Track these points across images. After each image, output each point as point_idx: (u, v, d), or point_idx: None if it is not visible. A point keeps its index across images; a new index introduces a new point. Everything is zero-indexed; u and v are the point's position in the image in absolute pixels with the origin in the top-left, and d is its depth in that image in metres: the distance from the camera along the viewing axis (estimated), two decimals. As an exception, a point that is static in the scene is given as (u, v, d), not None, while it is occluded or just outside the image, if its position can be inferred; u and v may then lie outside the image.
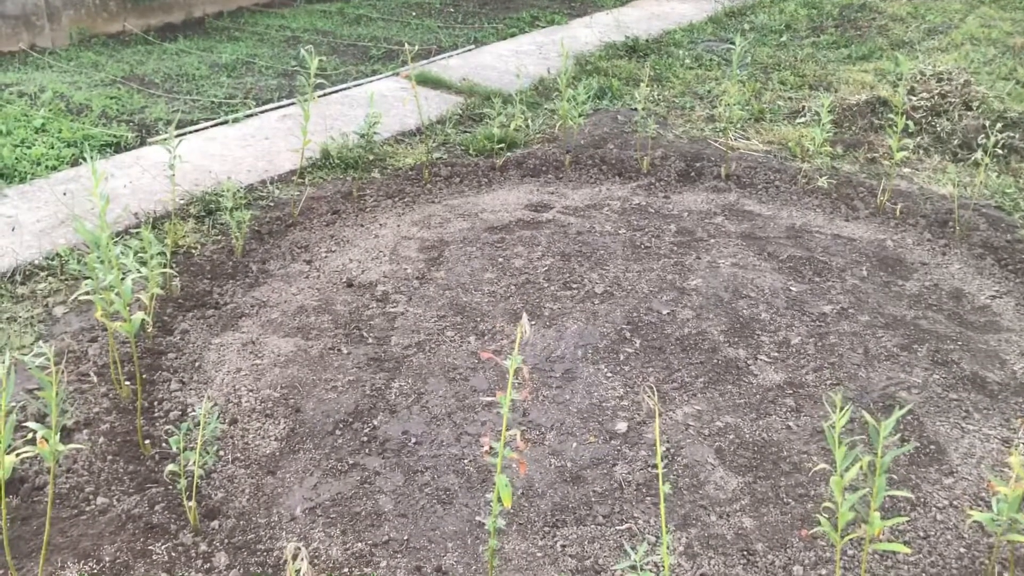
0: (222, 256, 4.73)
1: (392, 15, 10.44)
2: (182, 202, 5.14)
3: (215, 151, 5.93)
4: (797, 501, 3.05)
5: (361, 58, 8.39)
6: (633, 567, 2.34)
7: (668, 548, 2.73)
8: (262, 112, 6.67)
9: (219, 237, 4.91)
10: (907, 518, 2.86)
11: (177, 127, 5.72)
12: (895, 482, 3.13)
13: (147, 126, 6.30)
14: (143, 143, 6.02)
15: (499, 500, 2.26)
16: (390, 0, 11.15)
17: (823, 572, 2.75)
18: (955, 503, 3.07)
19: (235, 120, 6.41)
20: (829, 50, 9.07)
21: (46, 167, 5.47)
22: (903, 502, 3.05)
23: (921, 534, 2.93)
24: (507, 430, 2.25)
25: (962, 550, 2.87)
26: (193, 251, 4.75)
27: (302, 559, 1.67)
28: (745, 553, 2.84)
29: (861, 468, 2.32)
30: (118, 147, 5.90)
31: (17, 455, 2.47)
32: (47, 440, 2.49)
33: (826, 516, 2.41)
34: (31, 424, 2.58)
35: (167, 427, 3.41)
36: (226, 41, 8.94)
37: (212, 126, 6.36)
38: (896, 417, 2.28)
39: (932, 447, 3.35)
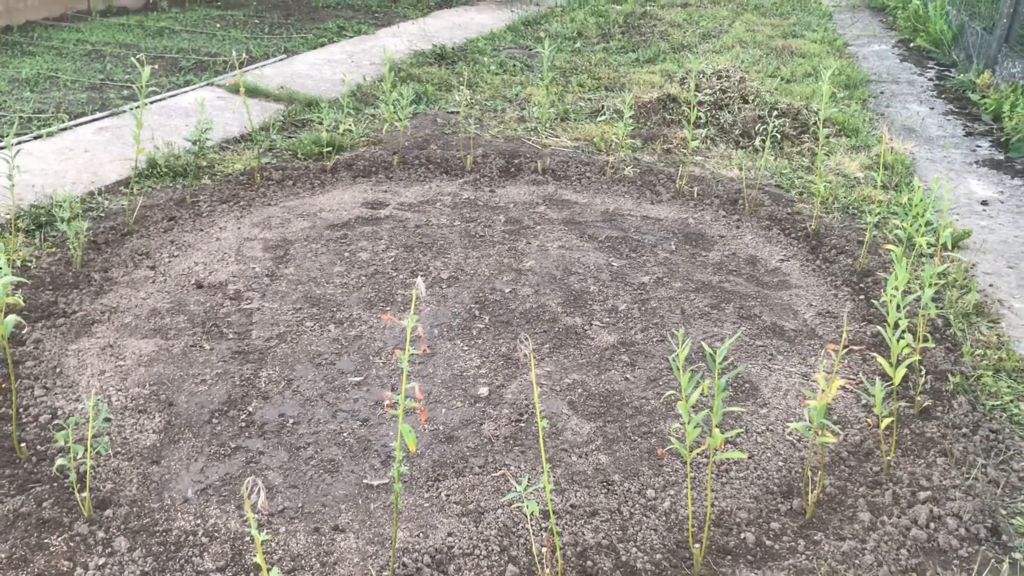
0: (60, 267, 4.68)
1: (196, 27, 10.31)
2: (8, 216, 5.02)
3: (33, 166, 5.78)
4: (642, 438, 3.51)
5: (171, 70, 8.29)
6: (515, 499, 2.69)
7: (550, 492, 3.10)
8: (77, 126, 6.52)
9: (54, 249, 4.84)
10: (741, 430, 3.35)
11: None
12: (726, 413, 3.65)
13: (-48, 143, 6.03)
14: (-50, 160, 5.76)
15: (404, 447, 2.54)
16: (191, 13, 10.99)
17: (672, 492, 3.21)
18: (770, 428, 3.63)
19: (49, 134, 6.25)
20: (619, 54, 9.84)
21: None
22: (728, 429, 3.58)
23: (748, 454, 3.46)
24: (406, 384, 2.54)
25: (780, 464, 3.42)
26: (29, 264, 4.67)
27: (258, 491, 1.89)
28: (605, 484, 3.25)
29: (703, 392, 2.77)
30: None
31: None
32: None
33: (676, 437, 2.85)
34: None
35: (37, 431, 3.43)
36: (20, 56, 8.57)
37: (26, 141, 6.17)
38: (728, 344, 2.74)
39: (747, 385, 3.92)
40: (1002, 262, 5.13)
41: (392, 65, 8.61)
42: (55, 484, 3.14)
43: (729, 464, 3.38)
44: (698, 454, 2.77)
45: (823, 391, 2.90)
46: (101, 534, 2.95)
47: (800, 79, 8.89)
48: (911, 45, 10.97)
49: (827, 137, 7.10)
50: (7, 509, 3.02)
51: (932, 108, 8.34)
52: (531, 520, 2.84)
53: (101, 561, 2.83)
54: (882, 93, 8.80)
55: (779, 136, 6.96)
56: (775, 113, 7.18)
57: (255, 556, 2.87)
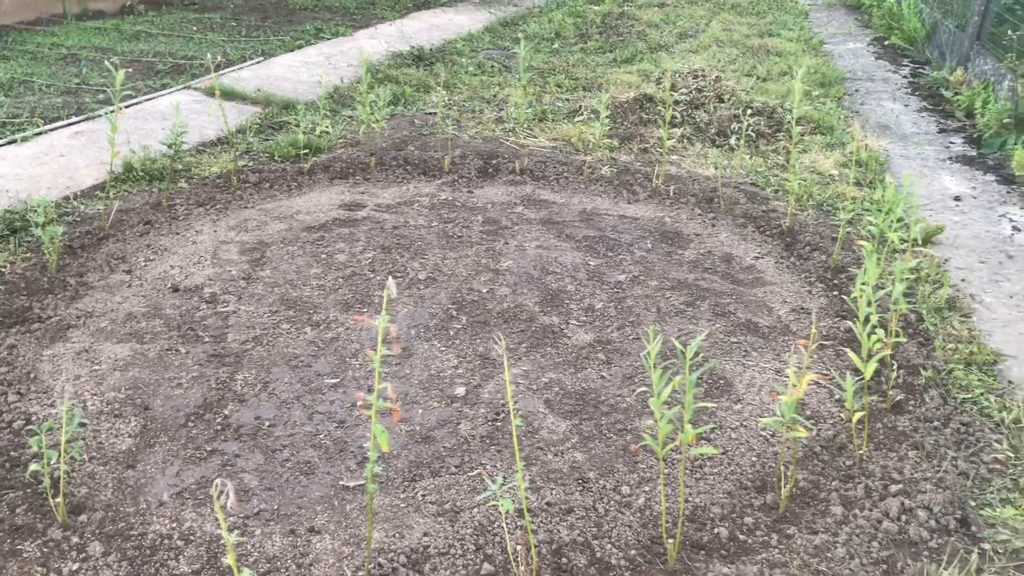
0: (35, 272, 4.66)
1: (172, 30, 10.27)
2: (-18, 222, 5.00)
3: (7, 171, 5.75)
4: (618, 435, 3.53)
5: (147, 73, 8.26)
6: (491, 496, 2.71)
7: (524, 491, 3.11)
8: (52, 130, 6.49)
9: (28, 255, 4.82)
10: (714, 426, 3.38)
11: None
12: (696, 411, 3.68)
13: (-76, 148, 6.00)
14: (-77, 166, 5.73)
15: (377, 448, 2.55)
16: (168, 16, 10.95)
17: (646, 488, 3.23)
18: (744, 423, 3.66)
19: (24, 139, 6.21)
20: (596, 55, 9.88)
21: None
22: (710, 429, 3.60)
23: (722, 450, 3.49)
24: (379, 384, 2.55)
25: (754, 459, 3.45)
26: (3, 270, 4.65)
27: (227, 492, 1.89)
28: (580, 481, 3.27)
29: (674, 388, 2.79)
30: None
31: None
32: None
33: (649, 434, 2.87)
34: None
35: (11, 437, 3.42)
36: (-6, 60, 8.52)
37: (0, 145, 6.13)
38: (699, 341, 2.77)
39: (722, 381, 3.95)
40: (974, 257, 5.18)
41: (369, 67, 8.62)
42: (28, 490, 3.13)
43: (703, 460, 3.40)
44: (670, 450, 2.79)
45: (793, 386, 2.94)
46: (75, 539, 2.94)
47: (776, 78, 8.95)
48: (886, 43, 11.07)
49: (802, 135, 7.16)
50: (-20, 516, 3.01)
51: (906, 105, 8.41)
52: (506, 518, 2.85)
53: (75, 567, 2.83)
54: (857, 91, 8.88)
55: (754, 135, 7.01)
56: (750, 112, 7.23)
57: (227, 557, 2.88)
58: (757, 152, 6.86)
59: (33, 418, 3.51)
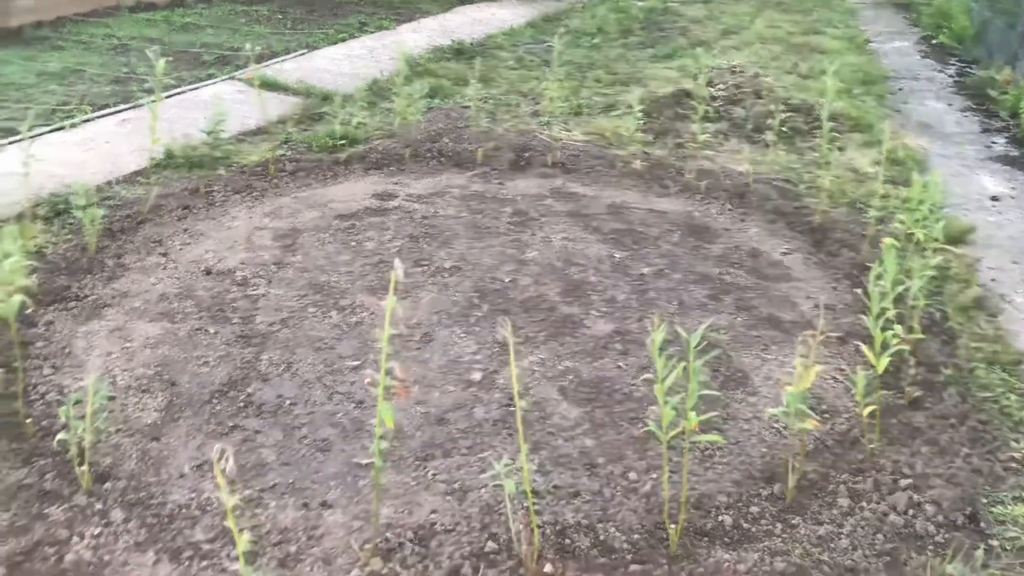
0: (76, 253, 4.82)
1: (221, 22, 10.50)
2: (28, 204, 5.17)
3: (55, 156, 5.94)
4: (629, 423, 3.57)
5: (194, 64, 8.47)
6: (495, 476, 2.77)
7: (528, 472, 3.17)
8: (100, 117, 6.70)
9: (70, 236, 4.99)
10: (717, 414, 3.39)
11: (11, 134, 5.71)
12: (710, 399, 3.71)
13: (-23, 134, 6.22)
14: (-25, 151, 5.95)
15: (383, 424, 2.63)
16: (217, 8, 11.18)
17: (654, 475, 3.27)
18: (758, 416, 3.67)
19: (73, 126, 6.41)
20: (637, 50, 9.88)
21: None
22: (717, 418, 3.62)
23: (732, 440, 3.51)
24: (386, 362, 2.62)
25: (764, 450, 3.47)
26: (45, 250, 4.82)
27: (228, 457, 1.98)
28: (588, 466, 3.32)
29: (678, 376, 2.83)
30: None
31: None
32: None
33: (653, 420, 2.90)
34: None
35: (44, 408, 3.56)
36: (50, 50, 8.79)
37: (50, 132, 6.34)
38: (703, 330, 2.80)
39: (739, 374, 3.96)
40: (1007, 257, 5.12)
41: (409, 60, 8.72)
42: (57, 458, 3.26)
43: (713, 450, 3.43)
44: (675, 437, 2.83)
45: (801, 377, 2.95)
46: (98, 506, 3.07)
47: (818, 75, 8.85)
48: (934, 42, 10.91)
49: (840, 133, 7.10)
50: (11, 481, 3.15)
51: (950, 104, 8.29)
52: (510, 499, 2.91)
53: (97, 531, 2.95)
54: (900, 89, 8.77)
55: (791, 131, 6.97)
56: (788, 108, 7.19)
57: (244, 524, 2.97)
58: (793, 149, 6.82)
59: (65, 391, 3.65)
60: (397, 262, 2.46)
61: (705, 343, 4.05)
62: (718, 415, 3.58)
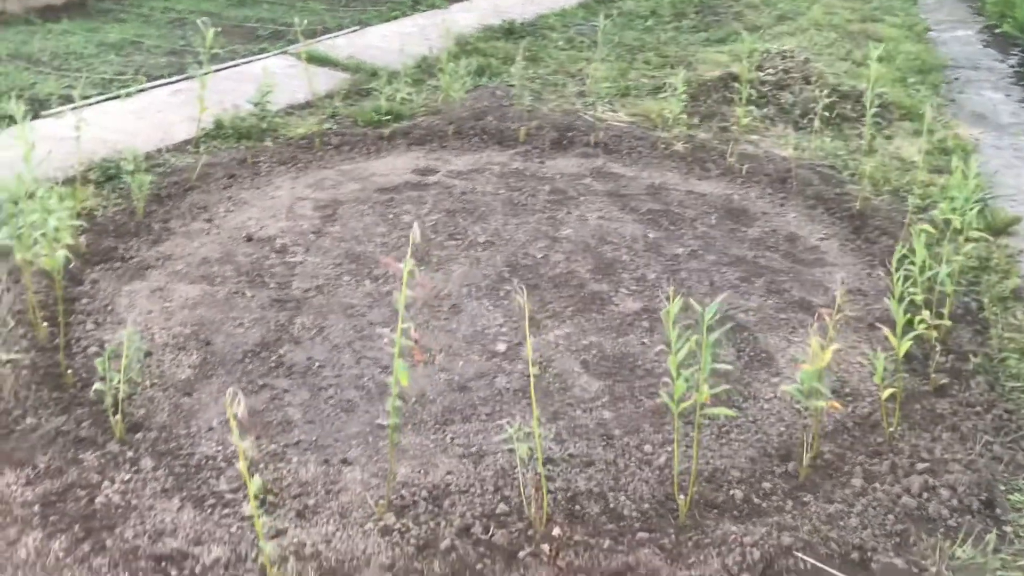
0: (124, 217, 4.99)
1: (277, -2, 10.68)
2: (81, 168, 5.36)
3: (110, 124, 6.14)
4: (649, 397, 3.60)
5: (248, 38, 8.64)
6: (508, 439, 2.84)
7: (539, 437, 3.23)
8: (153, 88, 6.89)
9: (120, 200, 5.17)
10: (728, 387, 3.40)
11: (69, 101, 5.91)
12: (734, 380, 3.72)
13: (39, 101, 6.45)
14: (36, 117, 6.16)
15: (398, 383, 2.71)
16: (274, -16, 11.35)
17: (669, 448, 3.30)
18: (779, 396, 3.68)
19: (128, 95, 6.61)
20: (690, 34, 9.81)
21: (-61, 137, 5.58)
22: (737, 395, 3.64)
23: (751, 419, 3.53)
24: (402, 324, 2.70)
25: (782, 429, 3.48)
26: (96, 213, 5.00)
27: (239, 402, 2.07)
28: (605, 437, 3.37)
29: (691, 348, 2.85)
30: (11, 120, 6.02)
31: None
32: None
33: (666, 392, 2.94)
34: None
35: (84, 361, 3.72)
36: (111, 22, 9.04)
37: (105, 100, 6.55)
38: (717, 303, 2.83)
39: (763, 355, 3.97)
40: (1053, 250, 5.02)
41: (459, 39, 8.79)
42: (94, 408, 3.41)
43: (731, 426, 3.45)
44: (686, 408, 2.86)
45: (816, 355, 2.96)
46: (130, 453, 3.20)
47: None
48: (997, 31, 10.63)
49: (890, 121, 7.00)
50: (50, 427, 3.30)
51: (1008, 95, 8.10)
52: (521, 463, 2.98)
53: (127, 477, 3.08)
54: (957, 79, 8.58)
55: (839, 118, 6.88)
56: (837, 95, 7.09)
57: (267, 477, 3.09)
58: (839, 135, 6.74)
59: (105, 345, 3.80)
60: (415, 224, 2.53)
61: (732, 324, 4.09)
62: (738, 393, 3.61)
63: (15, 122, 3.70)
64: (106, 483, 3.04)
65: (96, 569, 2.70)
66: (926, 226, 3.87)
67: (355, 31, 9.01)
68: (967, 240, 4.01)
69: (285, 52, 8.04)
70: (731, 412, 2.88)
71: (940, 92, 8.06)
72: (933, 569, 2.80)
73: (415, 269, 2.65)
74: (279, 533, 2.86)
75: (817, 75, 7.40)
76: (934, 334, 3.69)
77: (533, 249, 4.80)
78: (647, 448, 3.31)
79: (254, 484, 2.20)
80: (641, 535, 2.90)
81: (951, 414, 3.55)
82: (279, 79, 7.16)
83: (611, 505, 3.03)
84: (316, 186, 5.53)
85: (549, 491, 3.03)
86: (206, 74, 5.39)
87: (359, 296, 4.30)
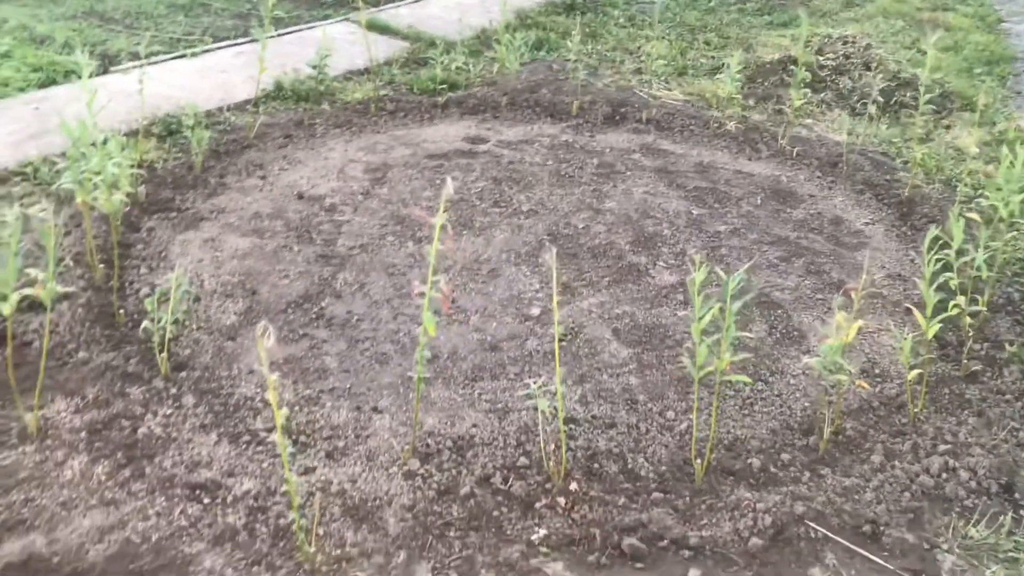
0: (183, 170, 5.17)
1: (343, -33, 10.80)
2: (146, 123, 5.56)
3: (175, 81, 6.33)
4: (676, 367, 3.66)
5: (313, 4, 8.79)
6: (531, 396, 2.93)
7: (565, 398, 3.31)
8: (218, 48, 7.07)
9: (180, 154, 5.35)
10: (750, 356, 3.45)
11: (138, 58, 6.12)
12: (763, 355, 3.76)
13: (109, 57, 6.67)
14: (106, 72, 6.39)
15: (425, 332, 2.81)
16: (342, -48, 11.49)
17: (691, 416, 3.36)
18: (806, 372, 3.71)
19: (193, 55, 6.80)
20: (754, 16, 9.71)
21: (15, 88, 5.84)
22: (765, 369, 3.68)
23: (776, 393, 3.57)
24: (433, 275, 2.80)
25: (806, 404, 3.51)
26: (156, 165, 5.18)
27: (268, 334, 2.19)
28: (629, 402, 3.44)
29: (714, 316, 2.91)
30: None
31: (21, 294, 2.94)
32: (45, 284, 2.97)
33: (687, 357, 3.00)
34: (30, 270, 3.05)
35: (136, 303, 3.90)
36: (182, -17, 9.25)
37: (172, 59, 6.75)
38: (740, 274, 2.87)
39: (796, 332, 3.99)
40: (1105, 246, 4.92)
41: (521, 13, 8.84)
42: (142, 346, 3.58)
43: (755, 397, 3.50)
44: (707, 375, 2.91)
45: (838, 327, 2.99)
46: (173, 390, 3.37)
47: (938, 52, 8.55)
48: (1074, 25, 10.30)
49: (950, 111, 6.88)
50: (100, 361, 3.48)
51: (1078, 90, 7.88)
52: (543, 418, 3.07)
53: (169, 411, 3.24)
54: (1026, 71, 8.37)
55: (897, 105, 6.79)
56: (898, 83, 7.00)
57: (300, 419, 3.23)
58: (896, 123, 6.66)
59: (156, 288, 3.97)
60: (448, 179, 2.61)
61: (765, 300, 4.12)
62: (765, 367, 3.65)
63: (90, 76, 3.87)
64: (149, 416, 3.21)
65: (135, 493, 2.86)
66: (972, 214, 3.84)
67: (418, 1, 9.10)
68: (1010, 227, 3.97)
69: (347, 19, 8.17)
70: (747, 379, 2.93)
71: (1007, 84, 7.88)
72: (945, 546, 2.82)
73: (447, 224, 2.74)
74: (308, 471, 2.99)
75: (878, 61, 7.30)
76: (968, 320, 3.67)
77: (575, 220, 4.86)
78: (669, 414, 3.37)
79: (281, 414, 2.32)
80: (656, 495, 2.97)
81: (979, 400, 3.55)
82: (340, 45, 7.31)
83: (629, 466, 3.10)
84: (368, 149, 5.65)
85: (570, 449, 3.12)
86: (269, 37, 5.53)
87: (401, 256, 4.42)
